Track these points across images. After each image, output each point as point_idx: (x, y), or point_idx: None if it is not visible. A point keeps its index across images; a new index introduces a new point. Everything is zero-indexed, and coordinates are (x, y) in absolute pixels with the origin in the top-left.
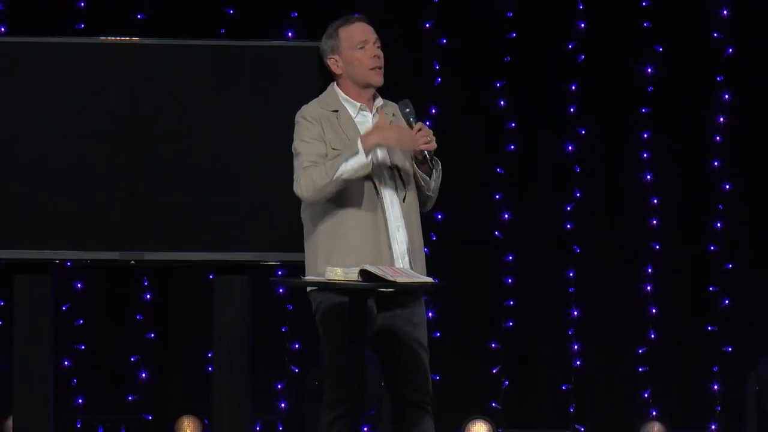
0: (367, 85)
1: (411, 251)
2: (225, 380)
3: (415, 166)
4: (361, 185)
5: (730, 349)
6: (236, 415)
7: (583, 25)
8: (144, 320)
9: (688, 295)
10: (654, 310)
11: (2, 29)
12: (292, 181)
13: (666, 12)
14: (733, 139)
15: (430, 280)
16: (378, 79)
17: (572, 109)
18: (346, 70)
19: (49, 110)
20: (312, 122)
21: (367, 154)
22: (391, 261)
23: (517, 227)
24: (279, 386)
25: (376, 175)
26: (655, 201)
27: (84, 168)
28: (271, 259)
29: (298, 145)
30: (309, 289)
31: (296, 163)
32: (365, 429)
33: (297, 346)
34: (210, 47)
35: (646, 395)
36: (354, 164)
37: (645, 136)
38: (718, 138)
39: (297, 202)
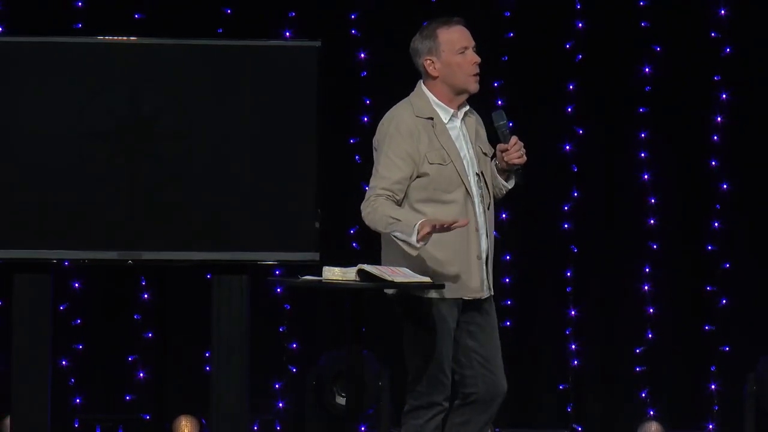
0: (463, 92)
1: (487, 259)
2: (223, 380)
3: (494, 170)
4: (457, 190)
5: (727, 348)
6: (234, 414)
7: (581, 24)
8: (142, 320)
9: (686, 295)
10: (652, 310)
11: (0, 29)
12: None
13: (664, 12)
14: (731, 139)
15: (427, 279)
16: (476, 86)
17: (570, 109)
18: (443, 73)
19: (48, 110)
20: (405, 136)
21: (418, 241)
22: (480, 268)
23: (515, 227)
24: (277, 386)
25: (468, 181)
26: (653, 200)
27: (82, 168)
28: (269, 259)
29: (382, 160)
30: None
31: (372, 181)
32: (363, 429)
33: (295, 345)
34: (209, 47)
35: (643, 395)
36: (403, 239)
37: (643, 135)
38: (716, 138)
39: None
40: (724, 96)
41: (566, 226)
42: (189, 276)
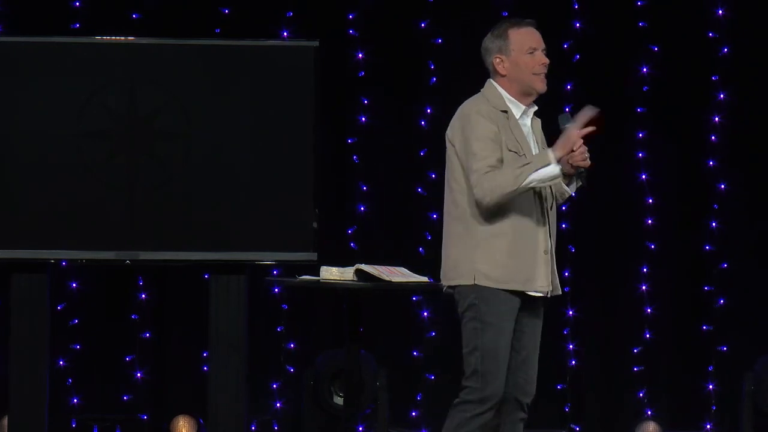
0: (530, 91)
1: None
2: (221, 380)
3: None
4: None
5: (725, 348)
6: (232, 414)
7: (578, 24)
8: (140, 320)
9: (683, 295)
10: (649, 310)
11: None
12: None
13: (661, 11)
14: (729, 139)
15: (425, 279)
16: (542, 86)
17: (567, 109)
18: (511, 72)
19: (46, 110)
20: (487, 119)
21: (559, 160)
22: (546, 263)
23: None
24: (274, 386)
25: None
26: (651, 201)
27: (80, 167)
28: (267, 259)
29: (474, 144)
30: (457, 285)
31: (474, 164)
32: (360, 429)
33: (292, 345)
34: (207, 47)
35: (641, 395)
36: (544, 174)
37: (641, 135)
38: (713, 137)
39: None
40: (721, 96)
41: (564, 226)
42: (187, 276)
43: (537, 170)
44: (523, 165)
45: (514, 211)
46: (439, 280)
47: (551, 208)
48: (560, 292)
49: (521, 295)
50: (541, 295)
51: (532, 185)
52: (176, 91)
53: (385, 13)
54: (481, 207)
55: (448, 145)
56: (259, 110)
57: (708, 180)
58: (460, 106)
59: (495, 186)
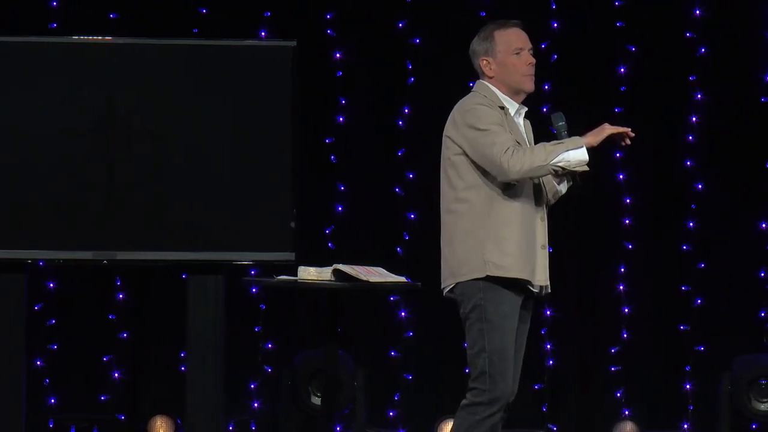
0: (519, 91)
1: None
2: (198, 380)
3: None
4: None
5: (702, 348)
6: (209, 414)
7: (555, 24)
8: (117, 320)
9: (661, 295)
10: (627, 310)
11: None
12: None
13: (639, 12)
14: (706, 139)
15: (402, 279)
16: (530, 85)
17: (545, 109)
18: (498, 73)
19: (23, 109)
20: (490, 109)
21: (589, 146)
22: (544, 257)
23: None
24: (252, 386)
25: None
26: (628, 200)
27: (58, 167)
28: (245, 259)
29: (489, 126)
30: (463, 281)
31: (496, 140)
32: (338, 429)
33: (270, 345)
34: (185, 47)
35: (618, 395)
36: (574, 157)
37: None
38: (690, 138)
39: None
40: (699, 96)
41: None
42: (164, 276)
43: (568, 150)
44: (555, 143)
45: (522, 201)
46: (417, 281)
47: (547, 205)
48: (550, 291)
49: (523, 291)
50: (536, 291)
51: (560, 164)
52: (154, 90)
53: (362, 13)
54: (506, 179)
55: (448, 144)
56: (237, 110)
57: (685, 180)
58: (456, 105)
59: (525, 159)
